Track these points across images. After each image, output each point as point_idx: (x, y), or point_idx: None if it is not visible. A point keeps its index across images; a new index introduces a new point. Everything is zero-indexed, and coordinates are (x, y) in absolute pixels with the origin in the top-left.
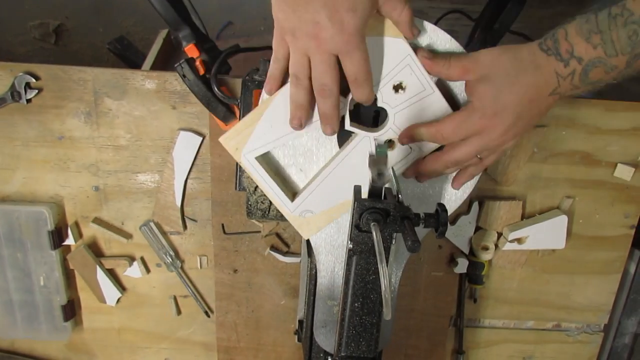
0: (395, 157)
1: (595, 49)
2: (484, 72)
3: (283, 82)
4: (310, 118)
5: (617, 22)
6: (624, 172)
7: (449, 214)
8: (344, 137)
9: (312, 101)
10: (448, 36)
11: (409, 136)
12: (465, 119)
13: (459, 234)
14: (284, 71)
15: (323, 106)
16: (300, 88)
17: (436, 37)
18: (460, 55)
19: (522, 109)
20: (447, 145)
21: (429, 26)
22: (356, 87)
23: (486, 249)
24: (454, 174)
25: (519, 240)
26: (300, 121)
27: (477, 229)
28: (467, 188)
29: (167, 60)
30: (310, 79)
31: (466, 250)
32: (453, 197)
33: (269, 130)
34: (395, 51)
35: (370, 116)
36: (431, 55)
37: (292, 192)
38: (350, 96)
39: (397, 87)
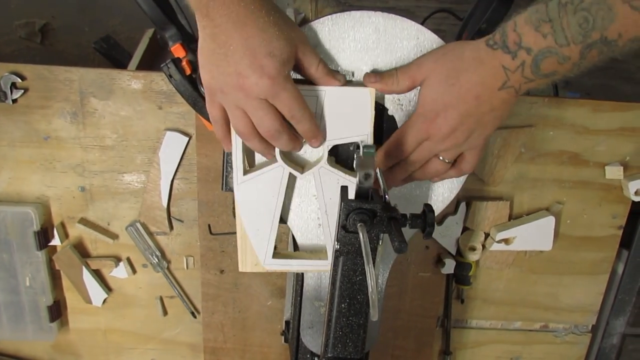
0: None
1: (545, 38)
2: (426, 75)
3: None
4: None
5: (567, 10)
6: (614, 173)
7: (436, 214)
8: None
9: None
10: (434, 36)
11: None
12: (409, 126)
13: (446, 235)
14: (228, 129)
15: (281, 146)
16: (253, 140)
17: (423, 37)
18: (405, 66)
19: (467, 106)
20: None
21: (415, 26)
22: (296, 124)
23: (473, 249)
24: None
25: (506, 241)
26: (272, 152)
27: (465, 229)
28: (454, 189)
29: (153, 60)
30: (254, 127)
31: (453, 251)
32: (440, 198)
33: (260, 232)
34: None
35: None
36: (377, 77)
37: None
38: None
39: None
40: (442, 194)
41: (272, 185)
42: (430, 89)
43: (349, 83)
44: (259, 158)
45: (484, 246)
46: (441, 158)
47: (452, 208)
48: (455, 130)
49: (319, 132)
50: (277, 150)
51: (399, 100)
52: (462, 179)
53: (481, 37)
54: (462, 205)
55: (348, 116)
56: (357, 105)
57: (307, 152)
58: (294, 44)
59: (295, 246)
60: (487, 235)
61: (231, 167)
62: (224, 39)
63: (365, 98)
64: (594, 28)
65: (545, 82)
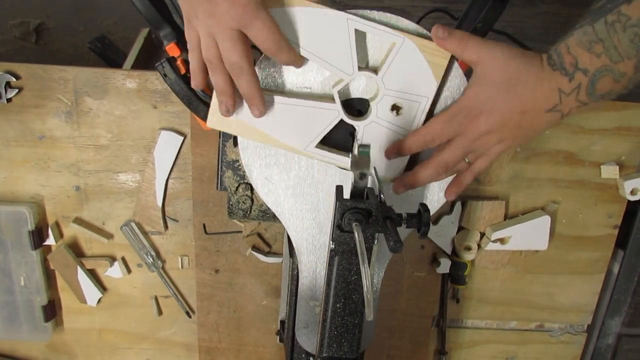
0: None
1: (599, 57)
2: (490, 71)
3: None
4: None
5: (616, 28)
6: (610, 172)
7: (431, 214)
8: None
9: (231, 85)
10: (430, 35)
11: (396, 150)
12: (451, 118)
13: (442, 234)
14: (202, 60)
15: (240, 86)
16: (217, 72)
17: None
18: (478, 40)
19: (510, 117)
20: (436, 150)
21: (411, 25)
22: (272, 55)
23: (469, 249)
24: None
25: (501, 241)
26: (227, 107)
27: (460, 229)
28: None
29: (148, 60)
30: (221, 59)
31: (449, 251)
32: (435, 197)
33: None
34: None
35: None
36: (446, 34)
37: None
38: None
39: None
40: (437, 193)
41: (314, 121)
42: (487, 89)
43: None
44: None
45: (479, 246)
46: (466, 159)
47: (448, 207)
48: (490, 133)
49: (298, 59)
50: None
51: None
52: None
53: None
54: (458, 205)
55: (412, 74)
56: (421, 65)
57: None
58: None
59: (291, 245)
60: (482, 234)
61: (226, 167)
62: None
63: (341, 25)
64: None
65: (596, 104)
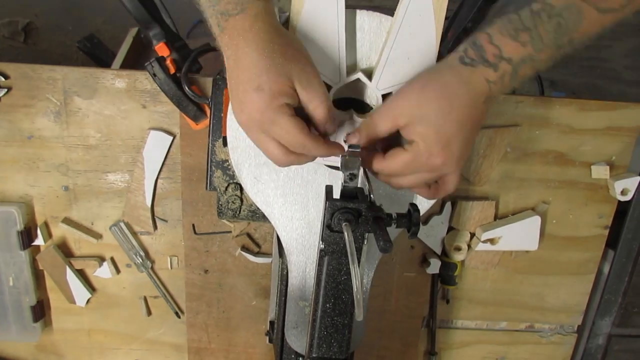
0: None
1: (524, 46)
2: (414, 112)
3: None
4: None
5: (542, 17)
6: (600, 172)
7: (421, 214)
8: None
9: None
10: None
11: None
12: (412, 160)
13: (431, 234)
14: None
15: (316, 154)
16: (293, 157)
17: None
18: (382, 108)
19: (465, 129)
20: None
21: None
22: (300, 152)
23: (459, 249)
24: None
25: (491, 241)
26: (337, 150)
27: (450, 229)
28: None
29: (137, 59)
30: (287, 149)
31: (439, 251)
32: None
33: None
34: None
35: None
36: (356, 134)
37: None
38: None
39: None
40: None
41: None
42: (429, 123)
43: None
44: None
45: (469, 246)
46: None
47: (438, 208)
48: (461, 157)
49: (331, 147)
50: None
51: None
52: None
53: (467, 36)
54: (448, 205)
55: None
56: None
57: None
58: (290, 77)
59: (280, 246)
60: (472, 235)
61: (215, 167)
62: (229, 72)
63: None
64: (566, 32)
65: (517, 86)
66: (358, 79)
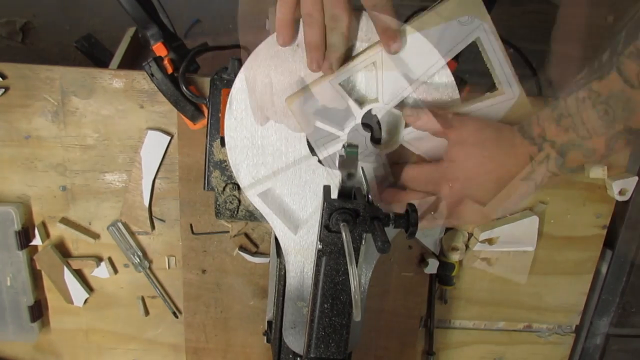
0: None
1: (566, 132)
2: (464, 136)
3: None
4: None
5: (586, 104)
6: (597, 172)
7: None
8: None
9: (324, 41)
10: (418, 34)
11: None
12: (428, 172)
13: (429, 234)
14: (294, 13)
15: (330, 37)
16: (315, 26)
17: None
18: (446, 112)
19: (484, 181)
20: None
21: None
22: (329, 28)
23: (456, 249)
24: None
25: (489, 241)
26: (318, 62)
27: (447, 229)
28: None
29: (134, 59)
30: (322, 14)
31: (436, 251)
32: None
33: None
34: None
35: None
36: (415, 112)
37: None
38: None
39: None
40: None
41: None
42: (466, 151)
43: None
44: None
45: (467, 246)
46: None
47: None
48: (460, 201)
49: (335, 58)
50: None
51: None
52: None
53: None
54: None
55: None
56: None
57: None
58: None
59: (278, 246)
60: (470, 235)
61: (213, 167)
62: None
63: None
64: (615, 119)
65: (572, 176)
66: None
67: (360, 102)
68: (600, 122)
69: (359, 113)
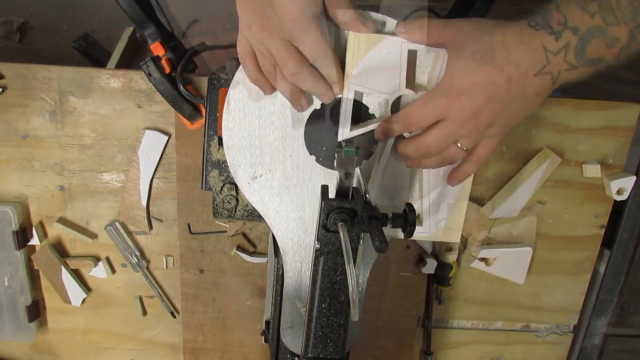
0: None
1: (592, 17)
2: (461, 42)
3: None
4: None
5: None
6: (592, 171)
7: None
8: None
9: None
10: None
11: (384, 131)
12: (430, 99)
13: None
14: (258, 68)
15: (305, 87)
16: (279, 81)
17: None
18: (440, 22)
19: (496, 88)
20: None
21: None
22: (315, 63)
23: (450, 250)
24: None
25: (486, 261)
26: (302, 105)
27: None
28: None
29: (132, 59)
30: (306, 61)
31: (430, 251)
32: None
33: None
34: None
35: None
36: (407, 25)
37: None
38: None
39: None
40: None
41: None
42: (464, 61)
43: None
44: None
45: (465, 246)
46: (459, 145)
47: None
48: (479, 113)
49: (338, 79)
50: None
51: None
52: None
53: None
54: None
55: (382, 68)
56: (388, 56)
57: None
58: None
59: (276, 245)
60: (465, 237)
61: (211, 166)
62: None
63: (395, 48)
64: None
65: (588, 72)
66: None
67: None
68: (630, 7)
69: (401, 91)
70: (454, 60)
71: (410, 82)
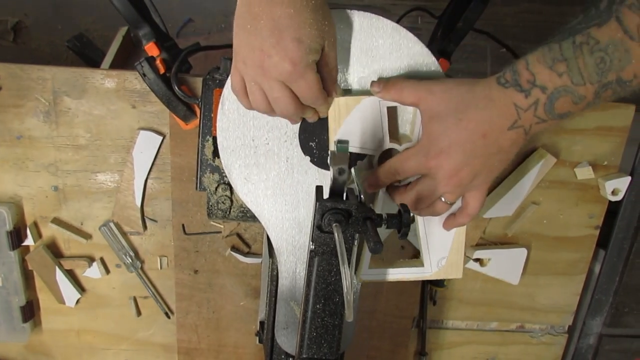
0: None
1: (560, 77)
2: (434, 104)
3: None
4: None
5: (583, 50)
6: (584, 173)
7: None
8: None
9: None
10: (410, 34)
11: (372, 184)
12: (411, 156)
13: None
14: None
15: (296, 122)
16: (268, 114)
17: (398, 36)
18: (413, 83)
19: (472, 146)
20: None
21: (390, 25)
22: (308, 104)
23: None
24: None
25: (481, 262)
26: (298, 120)
27: None
28: None
29: (126, 59)
30: (270, 104)
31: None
32: None
33: None
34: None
35: None
36: (381, 85)
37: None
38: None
39: None
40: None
41: None
42: (440, 122)
43: (347, 93)
44: None
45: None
46: (443, 199)
47: None
48: (459, 171)
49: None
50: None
51: None
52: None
53: (458, 36)
54: None
55: (364, 126)
56: (369, 115)
57: None
58: (324, 36)
59: (270, 246)
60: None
61: (205, 167)
62: (256, 11)
63: (374, 106)
64: (610, 69)
65: (557, 124)
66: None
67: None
68: (596, 69)
69: (386, 145)
70: (430, 121)
71: (394, 135)
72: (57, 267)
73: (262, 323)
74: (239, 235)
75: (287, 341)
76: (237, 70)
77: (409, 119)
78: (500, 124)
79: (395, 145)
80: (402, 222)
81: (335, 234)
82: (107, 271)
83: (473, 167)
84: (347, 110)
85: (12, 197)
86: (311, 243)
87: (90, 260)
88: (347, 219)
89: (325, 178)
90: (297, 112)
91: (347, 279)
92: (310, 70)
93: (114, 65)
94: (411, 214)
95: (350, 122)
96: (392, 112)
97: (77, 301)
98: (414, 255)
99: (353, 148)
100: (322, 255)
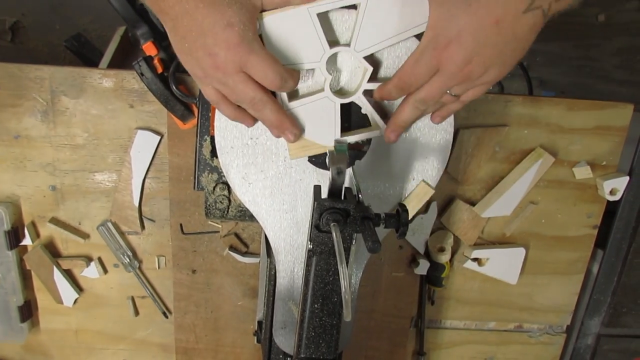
0: None
1: None
2: None
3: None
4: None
5: None
6: (582, 173)
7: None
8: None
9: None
10: None
11: (382, 97)
12: (419, 56)
13: (417, 232)
14: (234, 105)
15: (264, 118)
16: (247, 118)
17: None
18: None
19: (484, 32)
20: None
21: None
22: (278, 88)
23: (442, 250)
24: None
25: (479, 262)
26: (292, 135)
27: (434, 230)
28: (432, 182)
29: (124, 58)
30: (264, 89)
31: (422, 251)
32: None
33: None
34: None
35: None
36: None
37: None
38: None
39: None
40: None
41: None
42: (445, 9)
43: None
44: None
45: (455, 250)
46: (451, 93)
47: (424, 208)
48: (470, 61)
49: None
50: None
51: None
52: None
53: None
54: (434, 205)
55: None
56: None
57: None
58: (250, 2)
59: (268, 245)
60: (456, 237)
61: (203, 167)
62: (183, 28)
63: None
64: None
65: (576, 1)
66: (336, 53)
67: (331, 43)
68: None
69: (326, 52)
70: (436, 8)
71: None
72: (54, 267)
73: (260, 323)
74: (236, 235)
75: (285, 341)
76: (205, 85)
77: (350, 25)
78: (515, 7)
79: (339, 49)
80: (400, 221)
81: (334, 234)
82: (105, 271)
83: (485, 57)
84: (275, 26)
85: (10, 196)
86: (309, 242)
87: (88, 260)
88: (345, 218)
89: (323, 177)
90: (266, 98)
91: (345, 278)
92: (257, 42)
93: (111, 65)
94: (410, 214)
95: (281, 38)
96: (325, 20)
97: (75, 301)
98: (412, 254)
99: (292, 65)
100: (320, 255)
